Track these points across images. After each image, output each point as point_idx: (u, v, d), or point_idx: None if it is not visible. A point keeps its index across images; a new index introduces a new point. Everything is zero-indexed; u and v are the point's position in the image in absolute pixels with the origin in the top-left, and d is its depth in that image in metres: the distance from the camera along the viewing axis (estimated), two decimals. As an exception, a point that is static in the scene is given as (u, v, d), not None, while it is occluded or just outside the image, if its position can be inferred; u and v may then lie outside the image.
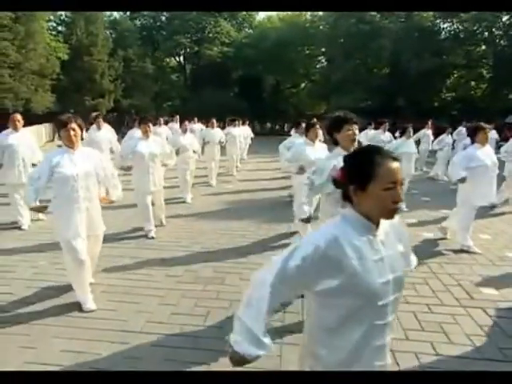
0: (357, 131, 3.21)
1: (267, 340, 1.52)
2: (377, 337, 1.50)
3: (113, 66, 31.92)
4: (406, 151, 7.58)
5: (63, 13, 32.28)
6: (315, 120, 6.18)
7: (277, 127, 44.35)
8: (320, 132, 5.44)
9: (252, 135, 16.63)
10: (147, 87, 35.84)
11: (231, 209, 8.16)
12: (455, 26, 30.60)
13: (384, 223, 1.51)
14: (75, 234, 3.74)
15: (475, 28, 28.89)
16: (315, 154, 5.21)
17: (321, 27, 37.70)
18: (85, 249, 3.84)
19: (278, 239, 6.04)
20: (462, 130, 14.89)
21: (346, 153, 3.27)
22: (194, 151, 8.46)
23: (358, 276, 1.41)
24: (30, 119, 17.26)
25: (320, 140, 5.53)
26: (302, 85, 45.52)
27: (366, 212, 1.46)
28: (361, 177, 1.44)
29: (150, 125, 6.10)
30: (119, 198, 4.35)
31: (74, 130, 3.73)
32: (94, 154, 4.01)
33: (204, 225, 6.84)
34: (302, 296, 4.06)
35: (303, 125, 7.47)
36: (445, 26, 31.11)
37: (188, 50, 42.09)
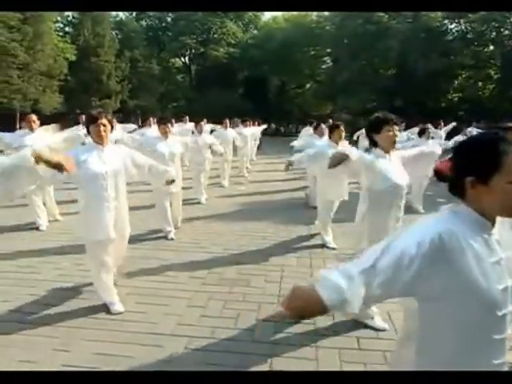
0: (397, 132, 3.16)
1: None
2: (494, 354, 1.29)
3: (119, 66, 32.03)
4: (431, 151, 7.48)
5: (70, 14, 32.40)
6: (333, 121, 6.14)
7: (281, 128, 44.33)
8: (343, 134, 5.40)
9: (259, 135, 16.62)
10: (153, 88, 35.93)
11: (246, 210, 8.13)
12: (463, 27, 30.51)
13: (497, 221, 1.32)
14: (103, 235, 3.66)
15: (483, 28, 28.79)
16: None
17: (327, 28, 37.66)
18: (111, 250, 3.81)
19: (299, 241, 6.00)
20: (473, 130, 14.79)
21: (386, 155, 3.23)
22: (212, 151, 8.48)
23: (473, 279, 1.22)
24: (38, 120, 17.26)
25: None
26: (308, 85, 45.50)
27: (483, 208, 1.28)
28: (484, 167, 1.24)
29: (169, 125, 6.08)
30: (173, 176, 4.33)
31: (104, 125, 3.59)
32: (123, 151, 3.89)
33: (221, 226, 6.81)
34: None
35: (323, 126, 7.45)
36: (452, 26, 31.03)
37: (194, 50, 42.18)
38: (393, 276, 1.23)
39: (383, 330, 3.47)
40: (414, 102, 29.54)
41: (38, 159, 2.49)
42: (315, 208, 7.74)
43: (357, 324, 3.57)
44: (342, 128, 5.28)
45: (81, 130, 10.89)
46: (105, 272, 3.80)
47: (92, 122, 3.59)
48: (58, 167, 2.54)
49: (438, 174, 1.46)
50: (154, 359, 3.06)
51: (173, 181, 4.34)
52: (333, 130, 5.33)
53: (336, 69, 36.74)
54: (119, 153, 3.80)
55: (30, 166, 2.45)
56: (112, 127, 3.72)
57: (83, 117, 11.26)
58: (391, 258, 1.23)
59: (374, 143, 3.26)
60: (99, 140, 3.63)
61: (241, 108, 31.55)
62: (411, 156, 3.56)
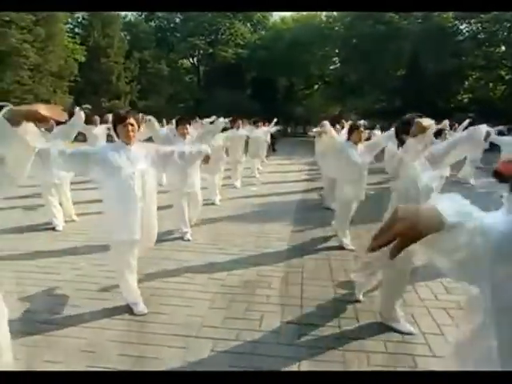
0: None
1: None
2: None
3: (129, 67, 32.20)
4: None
5: (80, 15, 32.60)
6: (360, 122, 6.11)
7: (288, 129, 44.27)
8: (363, 135, 5.36)
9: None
10: (162, 89, 36.09)
11: (261, 211, 8.10)
12: (474, 27, 30.33)
13: None
14: (128, 235, 3.62)
15: (495, 29, 28.59)
16: (358, 156, 5.15)
17: (336, 28, 37.60)
18: (136, 251, 3.79)
19: (317, 242, 5.96)
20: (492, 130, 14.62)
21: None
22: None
23: None
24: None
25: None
26: (316, 86, 45.45)
27: None
28: None
29: (188, 126, 6.07)
30: (208, 151, 4.26)
31: (132, 125, 3.55)
32: (147, 147, 3.83)
33: (237, 227, 6.79)
34: (358, 301, 3.99)
35: (337, 126, 7.42)
36: (463, 26, 30.86)
37: (202, 51, 42.30)
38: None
39: (410, 334, 3.42)
40: (424, 103, 29.35)
41: (15, 118, 1.78)
42: (330, 209, 7.73)
43: (383, 327, 3.53)
44: (361, 129, 5.23)
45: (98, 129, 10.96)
46: (129, 273, 3.78)
47: (120, 121, 3.55)
48: (40, 118, 1.81)
49: (500, 175, 1.40)
50: (180, 361, 3.04)
51: (208, 157, 4.24)
52: (352, 130, 5.29)
53: (345, 69, 36.67)
54: (145, 151, 3.73)
55: (10, 131, 1.76)
56: (139, 127, 3.68)
57: (96, 117, 11.30)
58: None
59: (402, 143, 3.22)
60: (127, 140, 3.58)
61: (249, 109, 31.54)
62: (440, 153, 3.39)
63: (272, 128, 14.54)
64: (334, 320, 3.66)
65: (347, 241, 5.68)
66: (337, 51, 39.15)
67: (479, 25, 29.58)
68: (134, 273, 3.85)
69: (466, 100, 32.22)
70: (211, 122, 8.65)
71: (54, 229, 6.47)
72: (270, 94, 39.02)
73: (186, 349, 3.20)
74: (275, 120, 14.15)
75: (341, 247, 5.66)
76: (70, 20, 32.38)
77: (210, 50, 41.02)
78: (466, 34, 30.77)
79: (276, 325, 3.57)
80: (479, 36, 29.71)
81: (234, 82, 37.47)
